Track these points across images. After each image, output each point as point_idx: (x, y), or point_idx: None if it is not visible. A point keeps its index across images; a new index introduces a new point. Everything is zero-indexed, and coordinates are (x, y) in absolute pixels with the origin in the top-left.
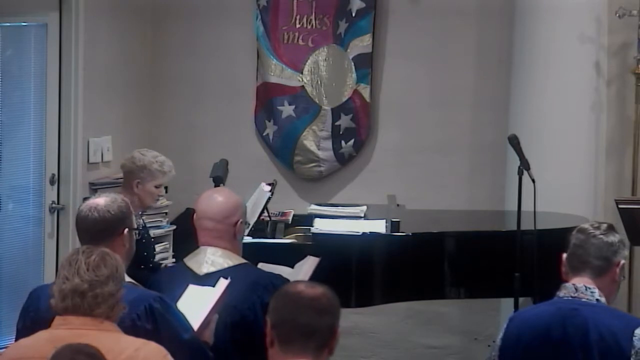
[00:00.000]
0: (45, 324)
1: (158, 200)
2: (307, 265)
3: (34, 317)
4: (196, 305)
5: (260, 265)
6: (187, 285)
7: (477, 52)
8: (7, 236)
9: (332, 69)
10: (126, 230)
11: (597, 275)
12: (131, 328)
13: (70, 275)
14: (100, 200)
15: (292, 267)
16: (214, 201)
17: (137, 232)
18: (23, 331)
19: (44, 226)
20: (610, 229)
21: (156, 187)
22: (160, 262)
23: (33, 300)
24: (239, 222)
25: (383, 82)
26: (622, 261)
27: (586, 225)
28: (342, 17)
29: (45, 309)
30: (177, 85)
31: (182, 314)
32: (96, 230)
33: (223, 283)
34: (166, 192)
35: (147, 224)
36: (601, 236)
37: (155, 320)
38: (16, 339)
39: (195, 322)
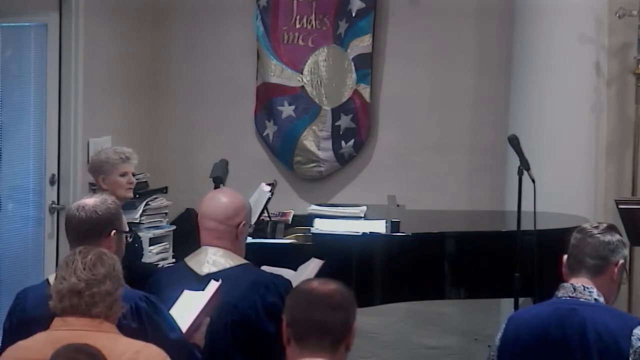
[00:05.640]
0: (32, 323)
1: (130, 189)
2: (311, 268)
3: (20, 317)
4: (188, 308)
5: (263, 269)
6: (183, 289)
7: (477, 52)
8: (7, 236)
9: (332, 69)
10: (113, 232)
11: (594, 274)
12: (116, 327)
13: (67, 275)
14: (90, 200)
15: (295, 269)
16: (218, 202)
17: (128, 235)
18: (9, 331)
19: (44, 226)
20: (610, 228)
21: (121, 175)
22: (157, 263)
23: (20, 301)
24: (241, 224)
25: (383, 82)
26: (621, 261)
27: (585, 225)
28: (342, 17)
29: (32, 309)
30: (177, 86)
31: (169, 314)
32: (82, 231)
33: (213, 285)
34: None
35: (147, 224)
36: (598, 235)
37: (141, 320)
38: (2, 340)
39: (185, 324)
